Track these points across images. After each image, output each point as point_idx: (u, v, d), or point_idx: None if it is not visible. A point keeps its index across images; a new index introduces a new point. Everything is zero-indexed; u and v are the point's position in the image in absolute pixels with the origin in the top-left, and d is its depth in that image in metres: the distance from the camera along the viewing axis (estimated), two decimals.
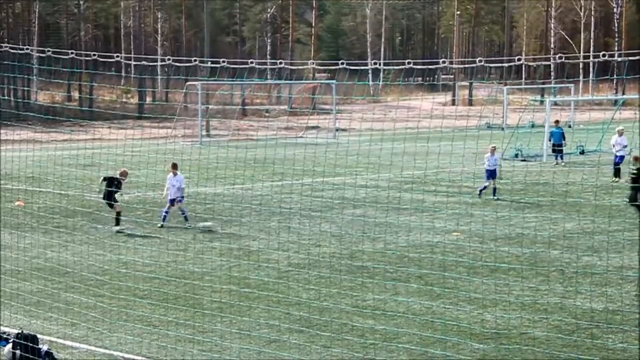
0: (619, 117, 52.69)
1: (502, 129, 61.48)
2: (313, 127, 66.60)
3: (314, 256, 22.02)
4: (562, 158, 43.24)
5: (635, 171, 26.52)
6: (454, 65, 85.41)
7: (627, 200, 26.70)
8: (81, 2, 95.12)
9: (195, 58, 18.22)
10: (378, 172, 38.13)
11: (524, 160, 44.29)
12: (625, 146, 36.60)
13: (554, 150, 43.33)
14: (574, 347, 15.00)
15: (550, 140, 43.62)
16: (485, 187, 31.41)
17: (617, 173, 36.02)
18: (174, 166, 27.14)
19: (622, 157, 36.22)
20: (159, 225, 26.33)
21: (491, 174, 31.52)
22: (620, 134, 37.05)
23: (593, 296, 18.25)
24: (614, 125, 48.27)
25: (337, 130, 61.86)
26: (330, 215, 27.24)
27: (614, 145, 37.09)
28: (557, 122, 44.65)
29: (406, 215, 27.76)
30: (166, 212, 26.60)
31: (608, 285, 19.10)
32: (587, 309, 17.42)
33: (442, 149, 46.69)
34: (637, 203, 25.86)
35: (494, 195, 31.04)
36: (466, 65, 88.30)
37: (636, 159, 27.10)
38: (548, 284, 19.23)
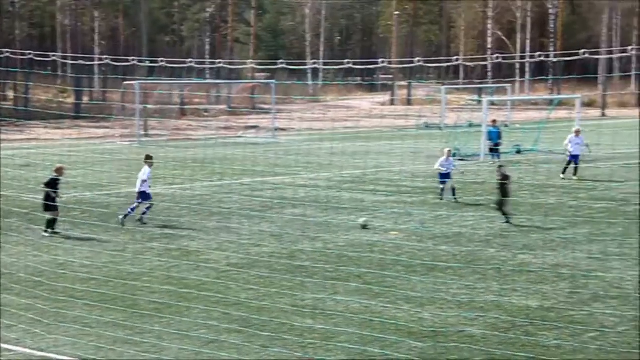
0: (555, 116, 53.45)
1: (440, 128, 61.95)
2: (252, 127, 66.50)
3: (253, 256, 21.99)
4: (499, 157, 43.70)
5: (499, 178, 26.75)
6: (392, 65, 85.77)
7: (495, 205, 26.96)
8: (16, 1, 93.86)
9: (133, 57, 18.10)
10: (317, 172, 38.21)
11: (462, 160, 44.66)
12: (587, 145, 38.05)
13: (491, 150, 43.76)
14: (509, 345, 15.18)
15: (488, 140, 44.05)
16: (443, 189, 31.09)
17: (565, 171, 36.92)
18: (148, 157, 26.96)
19: (576, 157, 37.08)
20: (137, 219, 26.17)
21: (445, 176, 31.15)
22: (577, 133, 37.68)
23: (528, 294, 18.49)
24: (550, 124, 49.00)
25: (276, 129, 61.87)
26: (270, 215, 27.22)
27: (568, 143, 37.61)
28: (494, 121, 45.12)
29: (345, 215, 27.85)
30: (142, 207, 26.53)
31: (543, 283, 19.36)
32: (522, 306, 17.64)
33: (381, 148, 46.94)
34: (503, 209, 26.25)
35: (454, 196, 30.88)
36: (405, 65, 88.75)
37: (500, 167, 27.48)
38: (485, 282, 19.43)
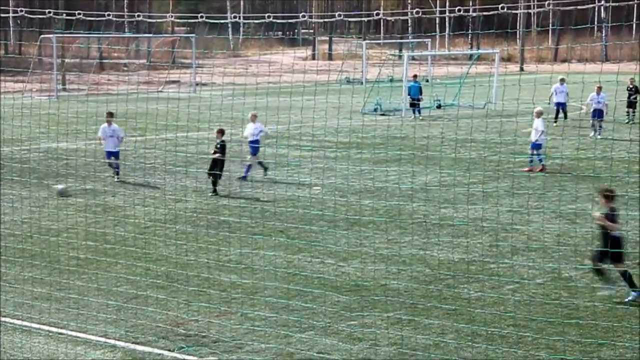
0: (474, 71, 53.86)
1: (362, 83, 62.01)
2: (173, 82, 65.79)
3: (176, 211, 21.85)
4: (419, 112, 44.00)
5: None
6: (313, 20, 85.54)
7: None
8: None
9: (49, 10, 17.68)
10: (240, 127, 38.00)
11: (384, 115, 44.84)
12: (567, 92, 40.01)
13: (411, 105, 44.03)
14: (432, 297, 15.37)
15: (408, 95, 44.29)
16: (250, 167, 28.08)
17: (557, 116, 39.90)
18: (110, 115, 26.84)
19: (562, 104, 39.74)
20: (115, 179, 26.30)
21: (255, 143, 28.14)
22: (562, 81, 39.78)
23: (451, 247, 18.72)
24: (470, 79, 49.35)
25: (197, 84, 61.29)
26: (192, 170, 27.02)
27: (553, 93, 39.99)
28: (415, 76, 45.36)
29: (269, 170, 27.75)
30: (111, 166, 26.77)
31: (465, 237, 19.60)
32: (444, 259, 17.85)
33: (304, 103, 46.89)
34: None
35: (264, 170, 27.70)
36: (326, 20, 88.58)
37: (219, 131, 25.70)
38: (407, 236, 19.61)
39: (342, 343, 13.32)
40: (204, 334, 13.63)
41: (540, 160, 28.27)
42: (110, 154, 26.87)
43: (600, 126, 36.47)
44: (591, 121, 36.95)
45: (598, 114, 36.58)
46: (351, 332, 13.77)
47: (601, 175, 26.07)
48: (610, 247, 15.04)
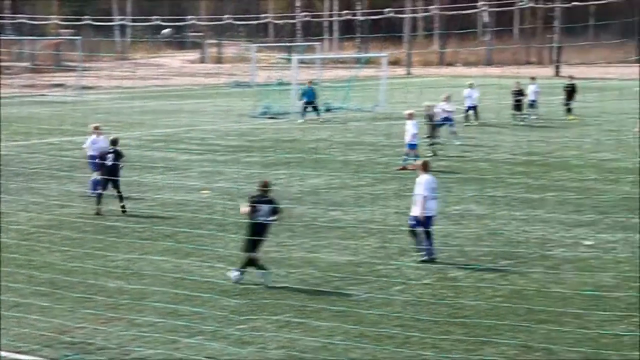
0: (363, 74, 54.35)
1: (251, 86, 61.96)
2: (58, 85, 64.56)
3: (60, 217, 21.44)
4: (317, 114, 44.24)
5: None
6: (202, 23, 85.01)
7: None
8: None
9: None
10: (128, 131, 37.53)
11: (273, 118, 44.86)
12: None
13: (305, 109, 44.18)
14: (321, 300, 15.44)
15: (304, 99, 44.47)
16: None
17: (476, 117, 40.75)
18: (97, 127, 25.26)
19: (473, 107, 40.76)
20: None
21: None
22: (472, 87, 40.64)
23: (339, 249, 18.84)
24: (359, 82, 49.80)
25: (83, 88, 60.30)
26: (78, 175, 26.54)
27: (466, 98, 40.86)
28: (310, 82, 45.65)
29: (157, 174, 27.51)
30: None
31: (353, 239, 19.75)
32: (333, 262, 17.95)
33: (193, 106, 46.59)
34: None
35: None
36: (215, 23, 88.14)
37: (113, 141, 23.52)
38: (297, 239, 19.65)
39: (231, 347, 13.28)
40: (89, 341, 13.41)
41: (405, 160, 28.71)
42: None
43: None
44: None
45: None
46: (240, 336, 13.74)
47: (486, 176, 26.60)
48: (256, 235, 16.26)
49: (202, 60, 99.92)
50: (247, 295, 15.67)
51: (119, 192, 22.33)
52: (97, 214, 21.98)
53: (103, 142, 24.40)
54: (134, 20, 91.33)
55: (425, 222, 17.95)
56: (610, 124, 38.73)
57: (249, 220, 16.65)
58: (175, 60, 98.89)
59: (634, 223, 20.83)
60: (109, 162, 22.39)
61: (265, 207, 16.63)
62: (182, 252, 18.41)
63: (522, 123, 40.20)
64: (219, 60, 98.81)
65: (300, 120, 43.14)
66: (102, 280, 16.28)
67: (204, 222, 20.98)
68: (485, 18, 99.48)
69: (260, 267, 16.51)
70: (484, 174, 27.35)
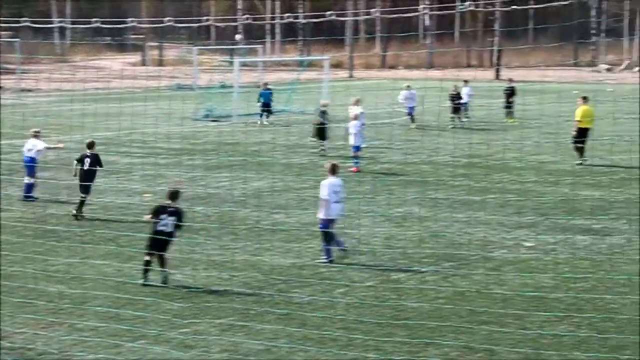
0: (305, 77, 54.39)
1: (193, 89, 61.68)
2: None
3: None
4: (267, 117, 44.30)
5: None
6: (143, 25, 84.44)
7: None
8: None
9: None
10: (68, 134, 37.14)
11: (215, 121, 44.72)
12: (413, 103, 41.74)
13: (263, 111, 44.38)
14: (264, 303, 15.42)
15: (260, 101, 44.63)
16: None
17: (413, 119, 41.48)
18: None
19: (412, 108, 41.54)
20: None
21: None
22: (409, 88, 41.66)
23: (282, 252, 18.83)
24: (301, 85, 49.84)
25: (22, 90, 59.54)
26: (17, 178, 26.20)
27: (403, 100, 41.83)
28: (265, 84, 45.76)
29: (98, 178, 27.22)
30: None
31: (296, 242, 19.77)
32: (276, 265, 17.95)
33: (134, 109, 46.26)
34: None
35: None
36: (155, 25, 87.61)
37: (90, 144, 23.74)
38: (240, 242, 19.61)
39: (174, 351, 13.21)
40: (30, 347, 13.26)
41: (357, 162, 29.07)
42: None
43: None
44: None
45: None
46: (183, 340, 13.67)
47: (428, 179, 26.78)
48: (155, 242, 16.46)
49: (143, 63, 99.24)
50: (190, 299, 15.61)
51: (83, 197, 22.09)
52: (77, 218, 21.85)
53: (40, 147, 24.58)
54: (73, 23, 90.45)
55: (330, 224, 18.23)
56: (549, 126, 39.21)
57: (153, 228, 16.81)
58: (116, 62, 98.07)
59: (573, 225, 21.13)
60: (85, 167, 22.25)
61: (167, 216, 16.65)
62: (124, 256, 18.27)
63: (459, 125, 40.61)
64: (160, 62, 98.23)
65: (259, 122, 43.32)
66: (42, 285, 16.10)
67: (146, 225, 20.81)
68: (427, 21, 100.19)
69: (147, 266, 16.59)
70: (425, 176, 27.53)
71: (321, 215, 18.24)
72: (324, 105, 34.15)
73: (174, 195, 17.14)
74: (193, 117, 44.74)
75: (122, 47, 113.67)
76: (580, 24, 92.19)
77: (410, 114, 41.66)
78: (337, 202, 18.29)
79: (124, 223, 21.30)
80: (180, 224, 16.83)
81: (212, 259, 18.21)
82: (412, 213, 22.54)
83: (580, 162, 30.15)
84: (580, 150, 30.37)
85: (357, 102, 34.05)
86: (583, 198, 24.35)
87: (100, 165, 22.70)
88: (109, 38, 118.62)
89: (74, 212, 22.09)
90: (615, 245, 19.45)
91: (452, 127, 40.72)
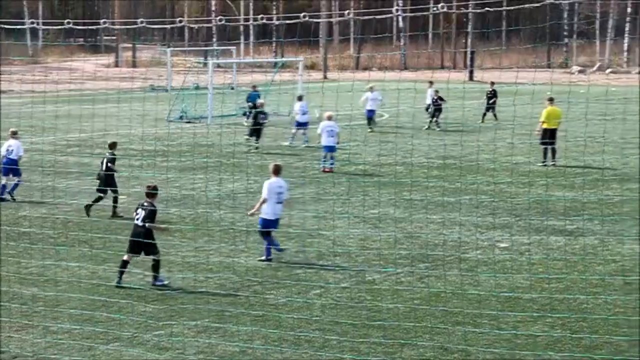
0: (279, 78, 54.39)
1: (167, 90, 61.50)
2: None
3: None
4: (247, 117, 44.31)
5: None
6: (115, 26, 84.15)
7: None
8: None
9: None
10: (41, 136, 36.96)
11: (189, 122, 44.61)
12: (380, 100, 41.01)
13: (251, 112, 44.55)
14: (239, 304, 15.42)
15: (249, 102, 44.83)
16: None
17: (369, 123, 40.60)
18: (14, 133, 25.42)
19: (372, 111, 40.78)
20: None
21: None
22: (372, 90, 40.48)
23: (257, 254, 18.81)
24: (275, 86, 49.79)
25: None
26: None
27: (367, 101, 40.72)
28: (254, 86, 45.76)
29: (72, 179, 27.14)
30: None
31: None
32: (251, 266, 17.94)
33: (108, 111, 46.08)
34: None
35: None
36: (128, 26, 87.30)
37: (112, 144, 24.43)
38: (215, 244, 19.58)
39: (149, 353, 13.18)
40: (3, 350, 13.18)
41: (332, 163, 29.18)
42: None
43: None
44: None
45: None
46: (158, 342, 13.64)
47: (403, 180, 26.85)
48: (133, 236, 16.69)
49: (116, 64, 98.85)
50: (164, 301, 15.57)
51: (102, 196, 22.86)
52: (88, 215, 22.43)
53: (15, 147, 24.64)
54: (45, 24, 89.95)
55: (270, 224, 18.53)
56: (523, 127, 39.41)
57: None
58: (89, 64, 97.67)
59: (547, 225, 21.23)
60: (104, 167, 22.97)
61: (141, 212, 16.83)
62: (98, 258, 18.19)
63: (438, 129, 40.66)
64: (133, 64, 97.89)
65: (246, 122, 43.50)
66: (16, 287, 15.99)
67: (120, 227, 20.77)
68: (400, 23, 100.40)
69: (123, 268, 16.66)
70: (400, 177, 27.60)
71: (262, 214, 18.52)
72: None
73: (150, 191, 17.28)
74: (167, 118, 44.60)
75: (95, 49, 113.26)
76: (553, 26, 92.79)
77: (370, 117, 40.81)
78: (279, 202, 18.61)
79: (98, 225, 21.20)
80: (149, 219, 16.77)
81: (187, 260, 18.17)
82: (387, 214, 22.58)
83: (544, 162, 30.38)
84: (545, 152, 30.62)
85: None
86: (556, 199, 24.49)
87: (113, 164, 23.32)
88: (81, 39, 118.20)
89: (86, 207, 22.62)
90: (588, 245, 19.58)
91: (427, 129, 40.78)
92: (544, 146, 30.71)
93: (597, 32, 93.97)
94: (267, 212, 18.47)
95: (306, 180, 27.34)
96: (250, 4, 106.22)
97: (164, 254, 18.53)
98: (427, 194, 24.95)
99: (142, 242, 16.48)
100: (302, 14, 13.37)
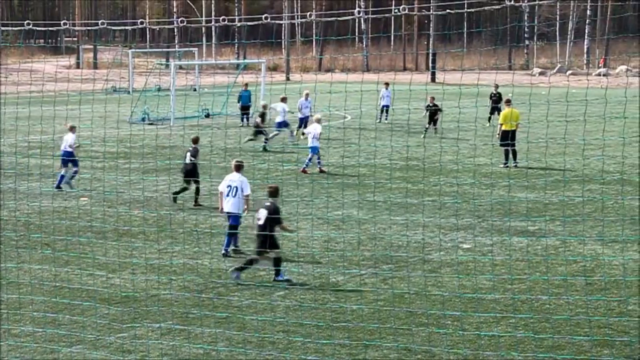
0: (242, 80, 54.31)
1: (129, 92, 61.21)
2: None
3: None
4: (247, 119, 44.26)
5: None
6: (76, 28, 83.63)
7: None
8: None
9: None
10: (2, 138, 36.64)
11: (152, 124, 44.43)
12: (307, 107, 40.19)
13: (243, 113, 44.81)
14: (203, 306, 15.37)
15: (239, 102, 45.02)
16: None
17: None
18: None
19: (306, 118, 39.52)
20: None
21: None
22: (307, 97, 39.82)
23: (221, 256, 18.77)
24: (237, 88, 49.71)
25: None
26: None
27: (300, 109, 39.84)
28: (246, 85, 45.83)
29: (33, 181, 26.92)
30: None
31: None
32: (216, 268, 17.90)
33: (69, 113, 45.78)
34: None
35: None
36: (89, 28, 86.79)
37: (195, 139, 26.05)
38: (178, 246, 19.52)
39: (113, 355, 13.11)
40: None
41: (307, 164, 29.34)
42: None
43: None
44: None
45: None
46: (122, 344, 13.57)
47: (366, 182, 26.91)
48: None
49: (77, 66, 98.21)
50: (128, 303, 15.49)
51: (186, 187, 24.38)
52: (175, 201, 24.18)
53: None
54: (5, 25, 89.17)
55: (229, 218, 19.10)
56: (485, 129, 39.67)
57: None
58: (50, 65, 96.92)
59: (509, 226, 21.37)
60: (187, 160, 24.53)
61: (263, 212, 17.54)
62: (60, 261, 18.07)
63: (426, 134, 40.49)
64: (95, 65, 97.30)
65: (240, 124, 43.62)
66: None
67: (82, 229, 20.65)
68: (362, 25, 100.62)
69: None
70: (363, 179, 27.67)
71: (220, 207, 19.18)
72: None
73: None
74: (129, 120, 44.38)
75: (55, 50, 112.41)
76: (513, 28, 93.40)
77: (301, 125, 38.85)
78: (234, 197, 19.03)
79: (60, 227, 21.05)
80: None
81: (151, 262, 18.10)
82: (350, 216, 22.62)
83: (506, 164, 30.60)
84: (507, 154, 30.86)
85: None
86: (519, 200, 24.66)
87: (196, 157, 24.69)
88: (42, 40, 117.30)
89: (173, 195, 24.32)
90: (550, 246, 19.73)
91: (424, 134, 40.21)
92: (504, 148, 30.96)
93: (557, 34, 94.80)
94: (222, 204, 19.20)
95: (270, 181, 27.26)
96: (212, 5, 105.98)
97: (126, 257, 18.47)
98: (391, 195, 25.02)
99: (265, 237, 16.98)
100: (264, 16, 13.39)
